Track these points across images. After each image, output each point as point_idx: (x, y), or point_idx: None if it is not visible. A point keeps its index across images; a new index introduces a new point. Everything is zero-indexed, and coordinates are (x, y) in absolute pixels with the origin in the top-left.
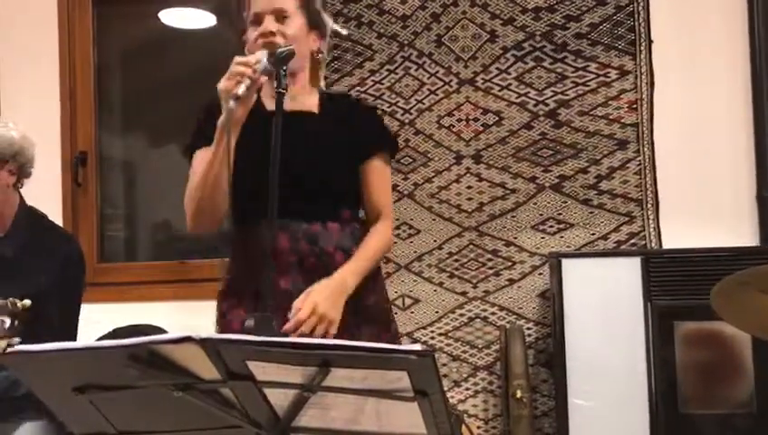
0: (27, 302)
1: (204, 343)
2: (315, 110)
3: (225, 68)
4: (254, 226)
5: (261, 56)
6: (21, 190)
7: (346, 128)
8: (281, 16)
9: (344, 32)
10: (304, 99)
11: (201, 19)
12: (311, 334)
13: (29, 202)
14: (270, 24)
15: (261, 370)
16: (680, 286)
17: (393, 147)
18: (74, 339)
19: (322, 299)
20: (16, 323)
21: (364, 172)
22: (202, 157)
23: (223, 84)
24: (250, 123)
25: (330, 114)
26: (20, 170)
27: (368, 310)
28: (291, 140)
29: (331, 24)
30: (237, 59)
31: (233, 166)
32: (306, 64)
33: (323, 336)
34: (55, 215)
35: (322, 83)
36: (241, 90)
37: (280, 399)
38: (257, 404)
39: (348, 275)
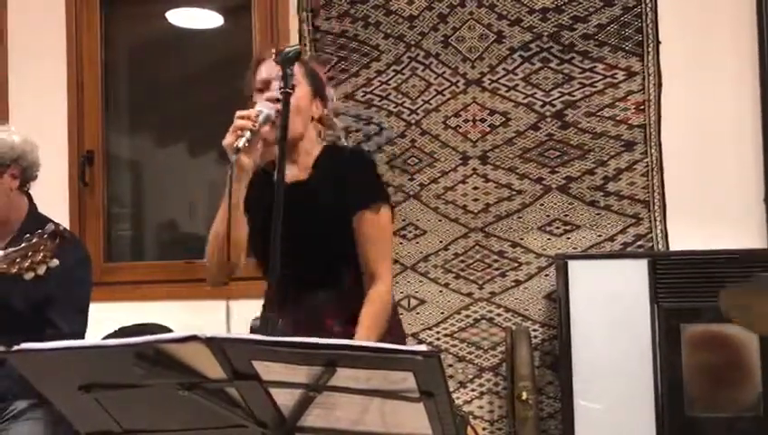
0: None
1: (210, 342)
2: (306, 176)
3: (232, 68)
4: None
5: (261, 107)
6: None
7: (336, 184)
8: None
9: (342, 110)
10: (300, 163)
11: (208, 19)
12: None
13: (36, 200)
14: (276, 91)
15: (266, 369)
16: (687, 288)
17: (385, 198)
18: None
19: None
20: None
21: (356, 227)
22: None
23: (227, 139)
24: (258, 191)
25: (320, 176)
26: (23, 174)
27: None
28: (291, 211)
29: (332, 94)
30: (239, 113)
31: (250, 223)
32: (309, 132)
33: None
34: (62, 214)
35: (340, 132)
36: (241, 142)
37: (285, 398)
38: (263, 404)
39: None
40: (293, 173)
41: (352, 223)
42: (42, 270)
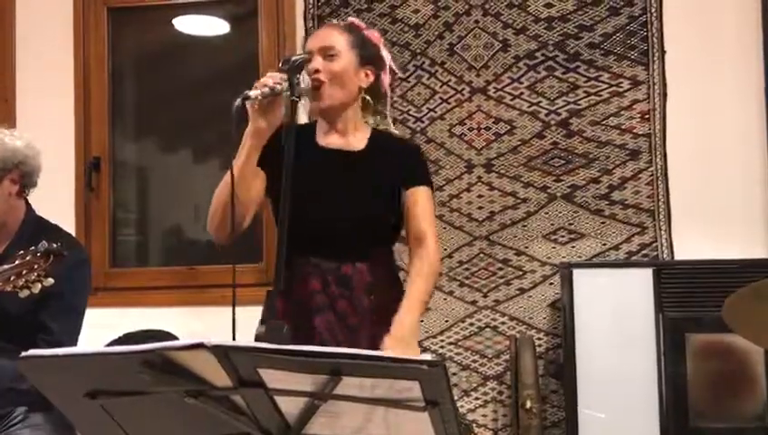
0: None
1: (216, 349)
2: (361, 147)
3: (238, 75)
4: (291, 257)
5: (274, 77)
6: (31, 198)
7: (389, 164)
8: (328, 54)
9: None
10: (352, 135)
11: (215, 26)
12: None
13: (42, 206)
14: (317, 62)
15: (272, 377)
16: (692, 298)
17: (431, 183)
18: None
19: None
20: None
21: (406, 199)
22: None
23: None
24: (301, 157)
25: (375, 153)
26: (23, 179)
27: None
28: (332, 177)
29: (389, 60)
30: (269, 73)
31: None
32: (354, 101)
33: None
34: (68, 219)
35: (389, 120)
36: (252, 92)
37: (290, 406)
38: (268, 412)
39: (407, 325)
40: (337, 141)
41: (402, 198)
42: (36, 289)
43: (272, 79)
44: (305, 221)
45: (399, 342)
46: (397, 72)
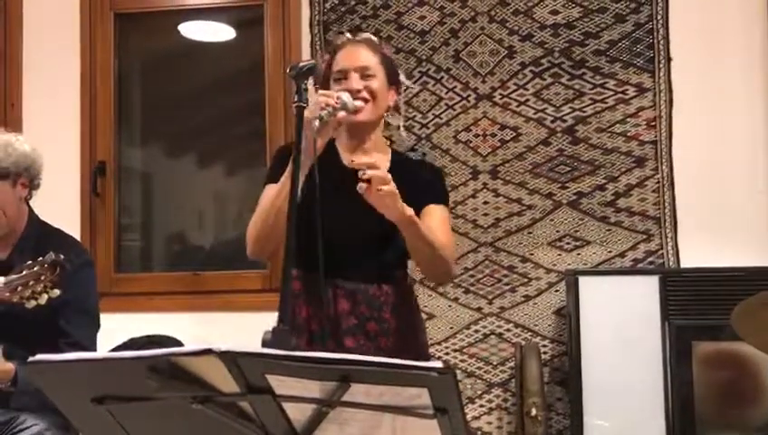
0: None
1: (224, 355)
2: (386, 167)
3: (244, 81)
4: (312, 274)
5: (343, 95)
6: (36, 202)
7: (412, 187)
8: (366, 74)
9: (411, 84)
10: (377, 155)
11: (220, 32)
12: (368, 182)
13: (48, 210)
14: (355, 81)
15: (280, 383)
16: (699, 306)
17: (447, 206)
18: (94, 350)
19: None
20: None
21: (422, 215)
22: (270, 191)
23: (308, 113)
24: (327, 176)
25: (398, 175)
26: (31, 183)
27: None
28: (360, 198)
29: (403, 78)
30: (321, 91)
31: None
32: (381, 121)
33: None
34: (73, 224)
35: (402, 130)
36: (324, 112)
37: (298, 413)
38: (275, 418)
39: (409, 211)
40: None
41: (420, 214)
42: (43, 299)
43: (329, 98)
44: (333, 241)
45: (396, 197)
46: (408, 85)
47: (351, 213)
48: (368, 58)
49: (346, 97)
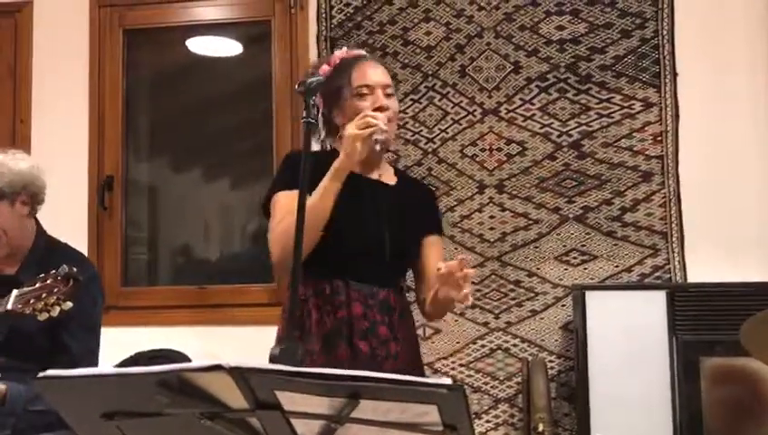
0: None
1: (234, 371)
2: (393, 182)
3: (252, 96)
4: (324, 279)
5: (383, 119)
6: (44, 216)
7: (415, 203)
8: (387, 93)
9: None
10: (383, 170)
11: (228, 47)
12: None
13: (55, 224)
14: (381, 99)
15: (289, 399)
16: (706, 321)
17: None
18: (94, 366)
19: None
20: None
21: (426, 246)
22: (289, 198)
23: (353, 129)
24: (342, 185)
25: (405, 190)
26: (32, 199)
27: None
28: (374, 206)
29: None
30: (367, 112)
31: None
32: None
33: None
34: (81, 238)
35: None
36: (383, 137)
37: (307, 429)
38: (284, 434)
39: None
40: (373, 173)
41: (423, 241)
42: (56, 312)
43: (376, 120)
44: (348, 247)
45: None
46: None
47: (369, 220)
48: (387, 77)
49: (381, 121)
